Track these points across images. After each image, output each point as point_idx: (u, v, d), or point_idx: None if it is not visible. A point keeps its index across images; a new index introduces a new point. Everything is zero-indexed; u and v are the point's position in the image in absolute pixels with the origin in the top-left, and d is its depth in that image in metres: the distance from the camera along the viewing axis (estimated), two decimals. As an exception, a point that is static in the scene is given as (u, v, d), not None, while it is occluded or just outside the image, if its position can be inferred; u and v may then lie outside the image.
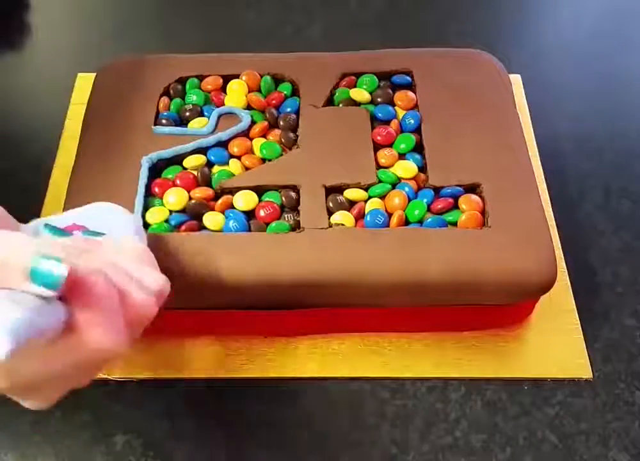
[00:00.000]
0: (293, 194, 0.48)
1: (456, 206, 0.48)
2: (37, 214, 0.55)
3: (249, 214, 0.48)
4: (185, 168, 0.50)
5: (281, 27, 0.70)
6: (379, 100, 0.54)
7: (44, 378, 0.33)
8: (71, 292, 0.31)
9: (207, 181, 0.49)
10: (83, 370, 0.34)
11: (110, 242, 0.37)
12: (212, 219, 0.47)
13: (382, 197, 0.49)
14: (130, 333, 0.34)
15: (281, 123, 0.52)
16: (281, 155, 0.50)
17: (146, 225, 0.47)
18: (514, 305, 0.49)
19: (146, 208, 0.48)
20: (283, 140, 0.51)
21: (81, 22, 0.72)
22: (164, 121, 0.52)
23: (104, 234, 0.38)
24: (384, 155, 0.50)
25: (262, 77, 0.55)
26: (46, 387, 0.34)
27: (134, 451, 0.45)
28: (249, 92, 0.54)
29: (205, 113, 0.53)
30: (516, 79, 0.64)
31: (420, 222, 0.48)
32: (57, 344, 0.32)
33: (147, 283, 0.35)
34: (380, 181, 0.49)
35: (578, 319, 0.51)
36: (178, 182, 0.49)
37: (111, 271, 0.33)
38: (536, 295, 0.48)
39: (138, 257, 0.36)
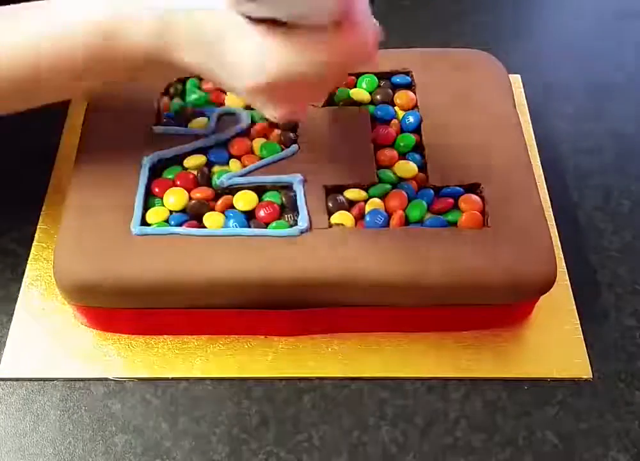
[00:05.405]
0: (293, 194, 0.48)
1: (456, 206, 0.48)
2: (37, 213, 0.55)
3: (249, 214, 0.48)
4: (185, 168, 0.50)
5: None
6: (379, 99, 0.54)
7: (298, 71, 0.37)
8: None
9: (207, 181, 0.49)
10: (330, 72, 0.38)
11: None
12: (212, 219, 0.47)
13: (382, 197, 0.49)
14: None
15: (281, 123, 0.52)
16: (281, 155, 0.51)
17: (146, 225, 0.47)
18: (514, 305, 0.49)
19: (146, 208, 0.48)
20: (283, 140, 0.51)
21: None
22: (164, 121, 0.52)
23: None
24: (384, 155, 0.50)
25: (262, 77, 0.54)
26: (292, 93, 0.39)
27: (134, 451, 0.46)
28: (249, 92, 0.54)
29: (205, 113, 0.53)
30: (515, 79, 0.64)
31: (420, 222, 0.48)
32: (318, 35, 0.36)
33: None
34: (380, 181, 0.49)
35: (578, 319, 0.51)
36: (178, 182, 0.49)
37: None
38: (536, 295, 0.48)
39: None
